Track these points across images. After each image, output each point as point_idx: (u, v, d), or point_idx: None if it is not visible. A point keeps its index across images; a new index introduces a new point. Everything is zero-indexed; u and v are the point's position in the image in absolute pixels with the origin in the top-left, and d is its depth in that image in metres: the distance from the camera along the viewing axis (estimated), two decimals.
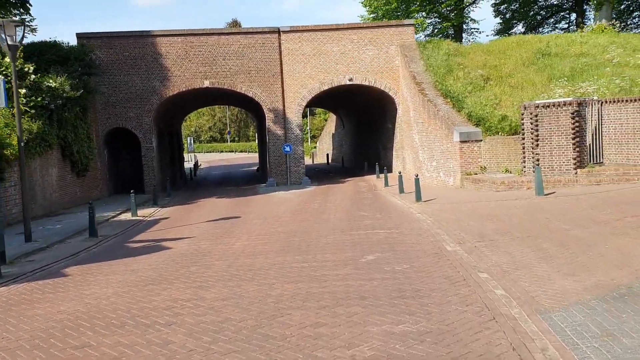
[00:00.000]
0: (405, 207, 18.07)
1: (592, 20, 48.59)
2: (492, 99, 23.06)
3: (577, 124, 18.94)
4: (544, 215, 13.95)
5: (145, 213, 21.50)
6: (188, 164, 50.48)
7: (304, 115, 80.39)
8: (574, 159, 19.02)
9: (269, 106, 29.99)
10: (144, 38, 28.95)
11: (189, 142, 61.38)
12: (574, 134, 18.94)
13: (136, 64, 28.91)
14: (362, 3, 46.74)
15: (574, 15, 51.56)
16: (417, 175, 19.11)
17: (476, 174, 21.53)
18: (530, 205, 15.76)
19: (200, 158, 72.50)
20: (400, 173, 22.50)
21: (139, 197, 27.44)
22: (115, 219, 20.44)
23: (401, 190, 21.92)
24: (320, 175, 37.01)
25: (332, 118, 50.13)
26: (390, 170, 31.66)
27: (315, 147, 59.36)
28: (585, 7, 49.12)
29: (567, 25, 52.65)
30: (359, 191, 25.09)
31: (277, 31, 29.76)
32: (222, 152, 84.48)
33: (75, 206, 23.82)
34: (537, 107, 19.34)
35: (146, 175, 29.31)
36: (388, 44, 30.01)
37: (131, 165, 30.92)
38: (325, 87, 30.07)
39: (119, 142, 30.59)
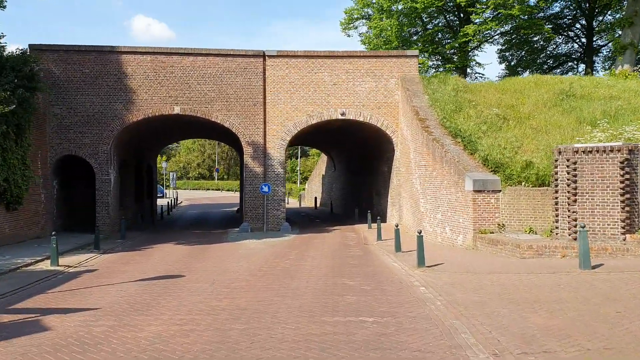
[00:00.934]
0: (403, 275, 13.37)
1: (599, 72, 45.25)
2: (512, 141, 18.69)
3: (627, 176, 14.49)
4: (612, 306, 9.28)
5: (73, 261, 16.68)
6: (166, 201, 45.75)
7: (295, 156, 76.69)
8: (623, 220, 14.48)
9: (247, 139, 25.59)
10: (107, 54, 24.70)
11: (171, 177, 56.82)
12: (622, 188, 14.46)
13: (96, 84, 24.57)
14: (361, 41, 43.21)
15: (582, 66, 48.15)
16: (420, 232, 14.46)
17: (492, 232, 16.94)
18: (580, 285, 11.09)
19: (185, 195, 67.79)
20: (397, 226, 17.83)
21: (86, 237, 22.71)
22: (28, 267, 15.60)
23: (397, 248, 17.28)
24: (305, 221, 32.33)
25: (324, 158, 45.87)
26: (384, 219, 27.05)
27: (304, 189, 54.82)
28: (594, 58, 45.71)
29: (575, 75, 49.19)
30: (346, 244, 20.39)
31: (262, 55, 25.63)
32: (208, 189, 79.77)
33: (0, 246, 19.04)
34: (577, 152, 14.90)
35: (99, 212, 24.55)
36: (388, 76, 25.89)
37: (89, 199, 26.18)
38: (314, 121, 25.75)
39: (74, 172, 25.99)
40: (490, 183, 17.02)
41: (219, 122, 25.31)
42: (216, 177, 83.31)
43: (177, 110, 24.99)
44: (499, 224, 17.01)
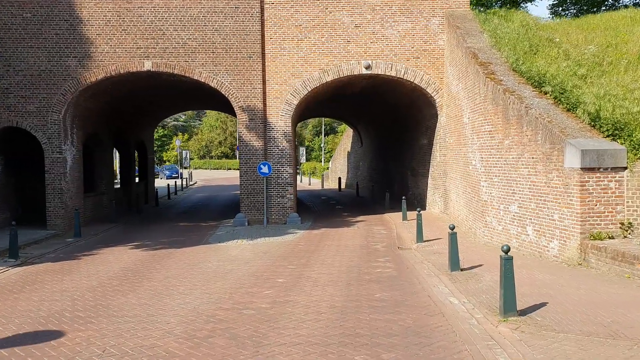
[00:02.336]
0: (477, 338, 6.64)
1: None
2: (634, 89, 11.60)
3: None
4: None
5: None
6: (175, 183, 39.79)
7: (324, 133, 69.82)
8: None
9: (241, 103, 18.99)
10: None
11: (183, 156, 50.91)
12: None
13: (42, 32, 18.26)
14: None
15: None
16: (507, 252, 7.49)
17: (611, 237, 10.02)
18: None
19: (204, 175, 62.08)
20: (452, 230, 10.79)
21: (32, 233, 16.69)
22: None
23: (454, 265, 10.49)
24: (323, 207, 25.69)
25: (349, 132, 39.00)
26: (422, 206, 20.30)
27: (327, 169, 48.11)
28: None
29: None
30: (371, 251, 13.70)
31: None
32: (229, 169, 73.78)
33: None
34: None
35: (50, 202, 18.45)
36: (428, 14, 18.82)
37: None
38: (329, 78, 18.95)
39: (26, 149, 19.93)
40: (609, 155, 10.03)
41: (202, 80, 18.75)
42: (237, 156, 76.98)
43: (147, 65, 18.52)
44: (624, 224, 10.07)
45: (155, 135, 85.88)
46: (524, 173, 11.89)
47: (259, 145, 19.01)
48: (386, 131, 28.33)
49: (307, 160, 61.43)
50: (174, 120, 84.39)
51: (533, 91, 12.35)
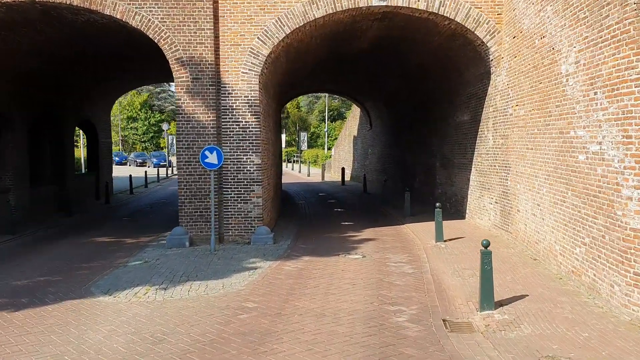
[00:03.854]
0: None
1: None
2: None
3: None
4: None
5: None
6: (149, 173, 32.77)
7: (327, 116, 62.16)
8: None
9: (180, 53, 11.70)
10: None
11: (169, 142, 43.82)
12: None
13: None
14: None
15: None
16: None
17: None
18: None
19: None
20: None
21: None
22: None
23: None
24: (317, 211, 18.37)
25: (355, 113, 31.56)
26: (460, 213, 13.26)
27: (329, 157, 40.68)
28: None
29: None
30: (387, 334, 6.47)
31: None
32: None
33: None
34: None
35: None
36: None
37: None
38: (320, 12, 11.61)
39: None
40: None
41: (118, 16, 11.48)
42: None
43: None
44: None
45: (152, 120, 79.14)
46: None
47: (208, 121, 11.76)
48: (405, 107, 20.94)
49: (310, 147, 54.05)
50: (171, 105, 77.14)
51: None
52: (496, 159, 12.14)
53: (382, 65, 18.20)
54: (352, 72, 20.27)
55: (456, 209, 15.28)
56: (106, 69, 18.69)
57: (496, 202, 12.18)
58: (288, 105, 74.88)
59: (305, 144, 48.83)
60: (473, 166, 13.86)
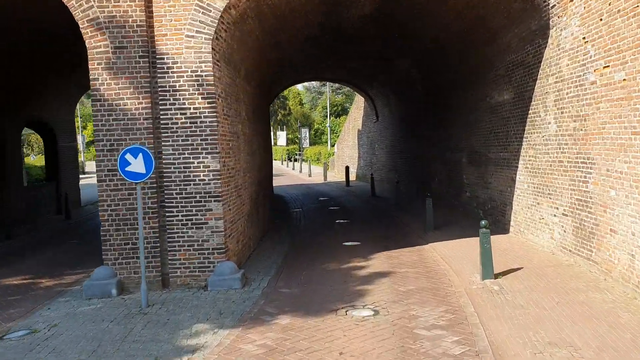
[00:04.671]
0: None
1: None
2: None
3: None
4: None
5: None
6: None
7: (329, 108, 57.83)
8: None
9: (93, 11, 7.86)
10: None
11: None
12: None
13: None
14: None
15: None
16: None
17: None
18: None
19: None
20: None
21: None
22: None
23: None
24: (314, 224, 14.39)
25: (359, 103, 27.59)
26: (502, 225, 9.53)
27: (333, 154, 36.64)
28: None
29: None
30: None
31: None
32: None
33: None
34: None
35: None
36: None
37: None
38: None
39: None
40: None
41: None
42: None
43: None
44: None
45: None
46: None
47: (140, 109, 7.93)
48: (417, 91, 17.01)
49: (314, 144, 50.10)
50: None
51: None
52: (564, 151, 8.22)
53: (387, 40, 14.23)
54: (351, 51, 16.30)
55: (494, 219, 11.37)
56: (47, 58, 14.88)
57: (565, 215, 8.26)
58: (290, 101, 71.30)
59: (307, 141, 44.89)
60: (521, 162, 9.94)
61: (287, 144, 57.26)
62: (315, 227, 13.69)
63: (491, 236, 7.66)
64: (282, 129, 56.73)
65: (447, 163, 14.77)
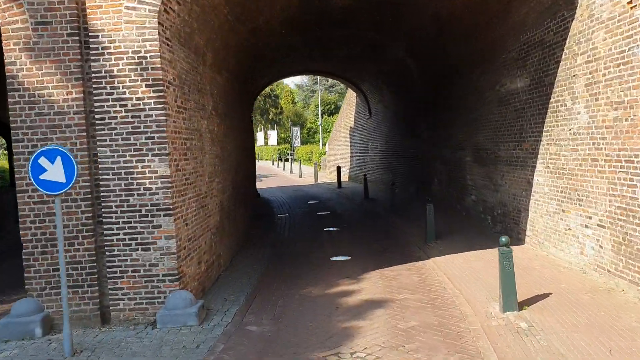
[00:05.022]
0: None
1: None
2: None
3: None
4: None
5: None
6: None
7: (320, 107, 56.01)
8: None
9: None
10: None
11: None
12: None
13: None
14: None
15: None
16: None
17: None
18: None
19: None
20: None
21: None
22: None
23: None
24: (301, 230, 12.76)
25: (350, 99, 25.95)
26: (515, 235, 7.92)
27: (324, 154, 34.98)
28: None
29: None
30: None
31: None
32: None
33: None
34: None
35: None
36: None
37: None
38: None
39: None
40: None
41: None
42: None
43: None
44: None
45: None
46: None
47: (69, 101, 6.27)
48: (413, 82, 15.39)
49: (307, 143, 48.41)
50: None
51: None
52: (600, 148, 6.62)
53: (379, 24, 12.59)
54: (337, 37, 14.63)
55: (505, 227, 9.79)
56: None
57: (601, 226, 6.67)
58: (282, 100, 69.57)
59: (299, 140, 43.17)
60: (540, 161, 8.35)
61: (279, 144, 55.53)
62: (301, 237, 12.04)
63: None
64: (273, 128, 55.01)
65: (448, 162, 13.17)
